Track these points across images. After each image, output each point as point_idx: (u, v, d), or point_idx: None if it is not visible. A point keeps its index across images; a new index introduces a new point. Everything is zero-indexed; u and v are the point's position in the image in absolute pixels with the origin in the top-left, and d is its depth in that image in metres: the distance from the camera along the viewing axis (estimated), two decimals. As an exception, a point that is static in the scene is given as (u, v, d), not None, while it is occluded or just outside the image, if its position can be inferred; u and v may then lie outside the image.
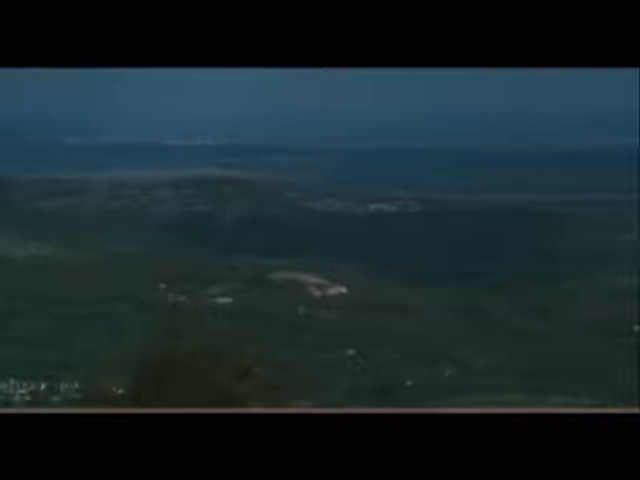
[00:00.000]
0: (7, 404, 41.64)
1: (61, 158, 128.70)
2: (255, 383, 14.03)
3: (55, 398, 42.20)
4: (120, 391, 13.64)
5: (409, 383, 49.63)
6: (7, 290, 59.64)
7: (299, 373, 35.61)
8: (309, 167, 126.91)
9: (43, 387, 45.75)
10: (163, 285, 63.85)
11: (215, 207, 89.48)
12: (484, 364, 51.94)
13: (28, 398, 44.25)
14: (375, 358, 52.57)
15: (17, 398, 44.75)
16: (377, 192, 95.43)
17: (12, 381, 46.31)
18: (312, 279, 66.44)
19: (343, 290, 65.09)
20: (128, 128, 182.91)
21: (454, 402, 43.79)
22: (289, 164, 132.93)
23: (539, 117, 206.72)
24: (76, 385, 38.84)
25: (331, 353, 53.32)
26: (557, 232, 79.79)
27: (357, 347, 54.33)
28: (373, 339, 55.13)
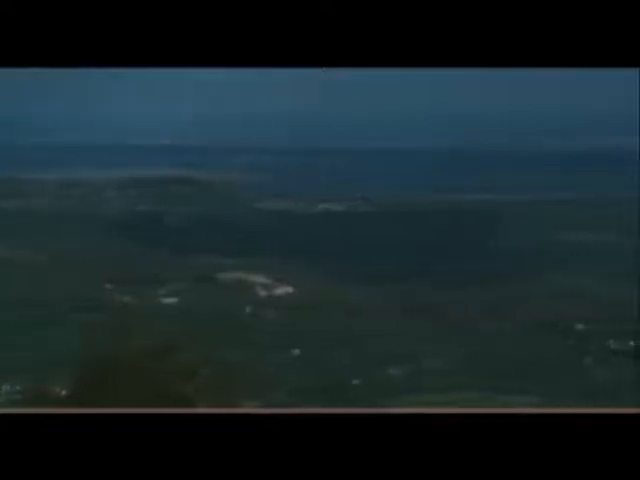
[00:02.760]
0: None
1: (17, 158, 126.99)
2: (202, 383, 13.96)
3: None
4: (64, 392, 13.49)
5: (356, 382, 49.71)
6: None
7: (246, 373, 35.51)
8: (261, 167, 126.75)
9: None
10: (110, 286, 63.30)
11: (166, 207, 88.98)
12: (435, 363, 52.21)
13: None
14: (322, 358, 52.59)
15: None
16: (328, 192, 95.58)
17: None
18: (259, 279, 66.34)
19: (290, 290, 65.07)
20: (84, 128, 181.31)
21: (404, 401, 43.96)
22: (241, 164, 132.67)
23: (500, 117, 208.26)
24: (17, 387, 38.31)
25: (278, 353, 53.25)
26: (507, 231, 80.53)
27: (304, 347, 54.33)
28: (320, 339, 55.16)
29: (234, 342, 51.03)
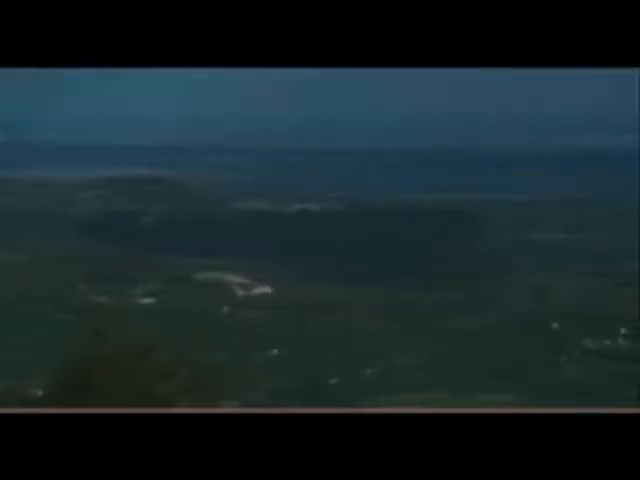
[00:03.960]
0: None
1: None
2: (180, 383, 13.90)
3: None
4: (40, 392, 13.40)
5: (334, 382, 49.74)
6: None
7: (224, 373, 35.44)
8: (238, 167, 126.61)
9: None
10: (86, 286, 63.01)
11: (142, 207, 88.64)
12: (409, 362, 52.34)
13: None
14: (299, 357, 52.58)
15: None
16: (304, 192, 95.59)
17: None
18: (237, 279, 66.24)
19: (267, 290, 65.02)
20: (60, 127, 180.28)
21: (380, 400, 44.05)
22: (218, 164, 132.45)
23: (471, 118, 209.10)
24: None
25: (256, 353, 53.20)
26: (481, 232, 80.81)
27: (281, 347, 54.30)
28: (297, 338, 55.16)
29: (212, 342, 50.91)
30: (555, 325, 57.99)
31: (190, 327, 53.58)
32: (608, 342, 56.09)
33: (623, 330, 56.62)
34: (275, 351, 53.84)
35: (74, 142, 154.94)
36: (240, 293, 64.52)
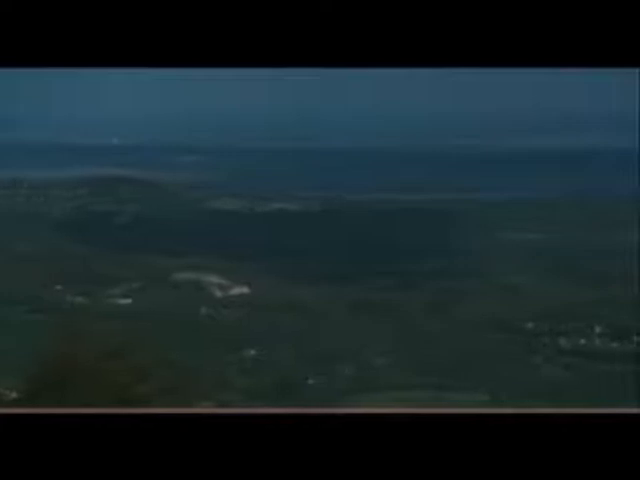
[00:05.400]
0: None
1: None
2: (157, 385, 13.84)
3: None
4: (14, 394, 13.28)
5: (310, 382, 49.79)
6: None
7: (201, 374, 35.36)
8: (212, 166, 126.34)
9: None
10: (60, 287, 62.67)
11: (116, 207, 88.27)
12: (384, 362, 52.48)
13: None
14: (277, 358, 52.59)
15: None
16: (279, 191, 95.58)
17: None
18: (214, 279, 66.10)
19: (245, 290, 64.94)
20: (28, 126, 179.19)
21: (356, 399, 44.15)
22: (191, 163, 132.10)
23: (447, 117, 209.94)
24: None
25: (233, 353, 53.15)
26: (454, 231, 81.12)
27: (259, 347, 54.28)
28: (275, 339, 55.15)
29: (189, 343, 50.78)
30: (529, 325, 58.27)
31: (167, 328, 53.42)
32: (583, 341, 56.43)
33: (598, 329, 57.00)
34: (252, 351, 53.80)
35: (41, 142, 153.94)
36: (218, 293, 64.40)
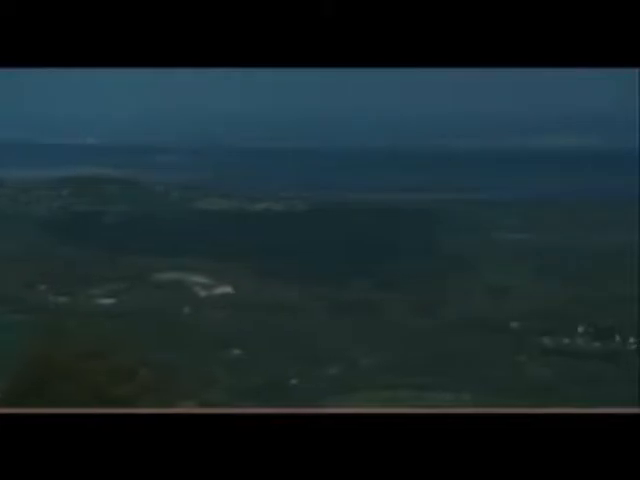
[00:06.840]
0: None
1: None
2: (140, 384, 13.80)
3: None
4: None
5: (295, 382, 49.79)
6: None
7: (184, 374, 35.30)
8: (196, 166, 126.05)
9: None
10: (44, 286, 62.45)
11: (99, 207, 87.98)
12: (370, 362, 52.52)
13: None
14: (261, 357, 52.55)
15: None
16: (265, 191, 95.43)
17: None
18: (198, 279, 66.00)
19: (229, 290, 64.86)
20: (10, 125, 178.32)
21: (341, 399, 44.16)
22: (176, 163, 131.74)
23: (438, 118, 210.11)
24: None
25: (217, 353, 53.09)
26: (441, 231, 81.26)
27: (243, 347, 54.23)
28: (259, 339, 55.11)
29: (173, 343, 50.70)
30: (514, 324, 58.45)
31: (151, 327, 53.30)
32: (567, 340, 56.68)
33: (580, 329, 57.26)
34: (237, 351, 53.75)
35: (20, 141, 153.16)
36: (202, 293, 64.30)
